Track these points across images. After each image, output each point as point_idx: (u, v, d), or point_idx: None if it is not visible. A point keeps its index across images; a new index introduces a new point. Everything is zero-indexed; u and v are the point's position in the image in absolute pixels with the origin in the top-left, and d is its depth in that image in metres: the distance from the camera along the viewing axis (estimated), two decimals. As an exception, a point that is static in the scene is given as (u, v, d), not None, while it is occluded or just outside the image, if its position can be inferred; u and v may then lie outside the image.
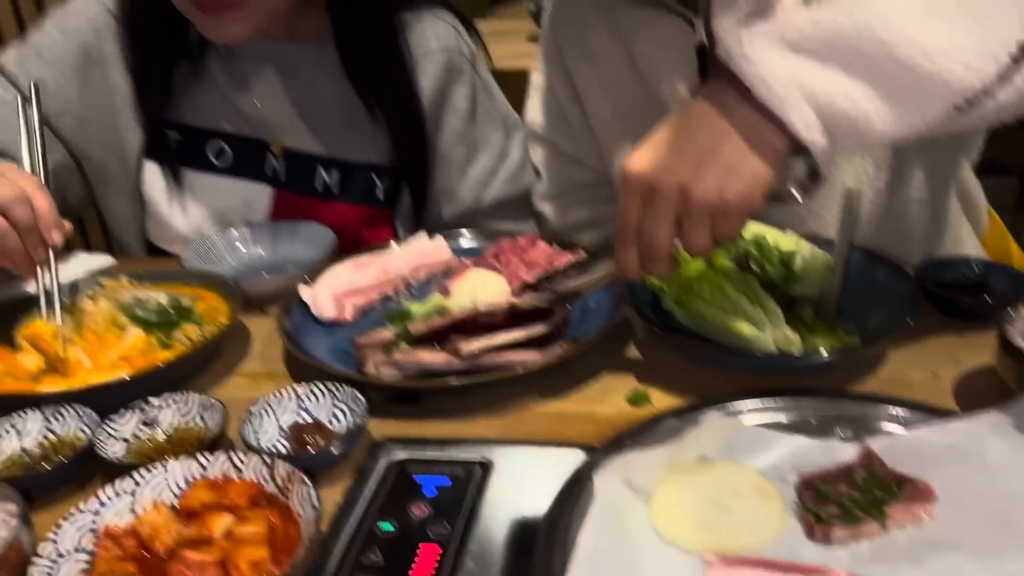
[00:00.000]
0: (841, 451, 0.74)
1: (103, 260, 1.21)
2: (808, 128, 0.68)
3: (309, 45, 1.20)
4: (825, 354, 0.81)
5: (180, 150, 1.21)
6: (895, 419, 0.76)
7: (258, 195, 1.23)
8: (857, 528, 0.65)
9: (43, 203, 0.95)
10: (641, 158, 0.73)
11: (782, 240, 0.95)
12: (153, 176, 1.22)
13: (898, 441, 0.73)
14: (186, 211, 1.23)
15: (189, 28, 1.14)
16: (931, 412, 0.75)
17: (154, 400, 0.81)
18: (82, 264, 1.20)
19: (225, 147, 1.22)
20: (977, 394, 0.80)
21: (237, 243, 1.19)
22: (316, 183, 1.23)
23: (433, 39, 1.21)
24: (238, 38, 1.09)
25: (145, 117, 1.20)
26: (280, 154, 1.22)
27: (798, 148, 0.70)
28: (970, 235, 1.20)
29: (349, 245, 1.15)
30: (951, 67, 0.67)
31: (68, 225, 0.99)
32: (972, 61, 0.67)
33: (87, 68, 1.19)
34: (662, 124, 0.75)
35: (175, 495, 0.69)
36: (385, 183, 1.24)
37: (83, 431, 0.80)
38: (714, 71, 0.73)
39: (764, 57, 0.69)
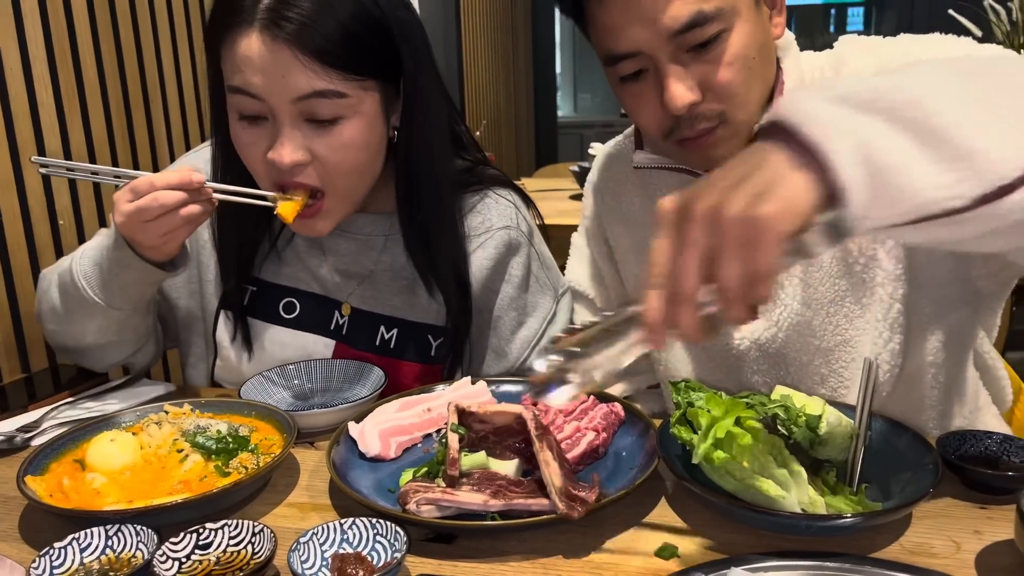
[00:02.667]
0: (865, 616, 0.76)
1: (165, 387, 1.30)
2: (848, 165, 0.65)
3: (382, 216, 1.31)
4: (848, 518, 0.84)
5: (253, 303, 1.32)
6: (917, 587, 0.78)
7: (320, 347, 1.31)
8: None
9: (169, 178, 1.06)
10: (675, 196, 0.71)
11: (809, 404, 1.00)
12: (226, 324, 1.33)
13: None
14: (252, 357, 1.32)
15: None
16: (953, 583, 0.78)
17: (210, 525, 0.86)
18: (146, 391, 1.29)
19: (296, 303, 1.32)
20: (998, 568, 0.82)
21: (294, 379, 1.26)
22: (376, 340, 1.32)
23: (496, 218, 1.32)
24: (324, 232, 1.22)
25: (225, 274, 1.31)
26: (347, 313, 1.32)
27: (833, 202, 0.67)
28: (989, 406, 1.23)
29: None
30: (985, 146, 0.67)
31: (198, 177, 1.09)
32: (1005, 150, 0.67)
33: None
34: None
35: (224, 617, 0.73)
36: (438, 342, 1.32)
37: (141, 550, 0.85)
38: (758, 134, 0.73)
39: (807, 103, 0.69)
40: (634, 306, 0.74)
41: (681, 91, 1.01)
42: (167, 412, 1.10)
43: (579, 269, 1.40)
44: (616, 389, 1.35)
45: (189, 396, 1.21)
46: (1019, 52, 3.07)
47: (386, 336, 1.31)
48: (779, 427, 0.96)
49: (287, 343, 1.31)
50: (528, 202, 1.39)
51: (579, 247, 1.41)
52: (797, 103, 0.70)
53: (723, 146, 1.08)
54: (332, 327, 1.32)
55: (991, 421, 1.23)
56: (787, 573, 0.81)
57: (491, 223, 1.32)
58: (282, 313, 1.32)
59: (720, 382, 1.23)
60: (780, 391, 1.03)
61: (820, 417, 0.97)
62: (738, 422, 0.93)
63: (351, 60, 1.10)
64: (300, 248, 1.32)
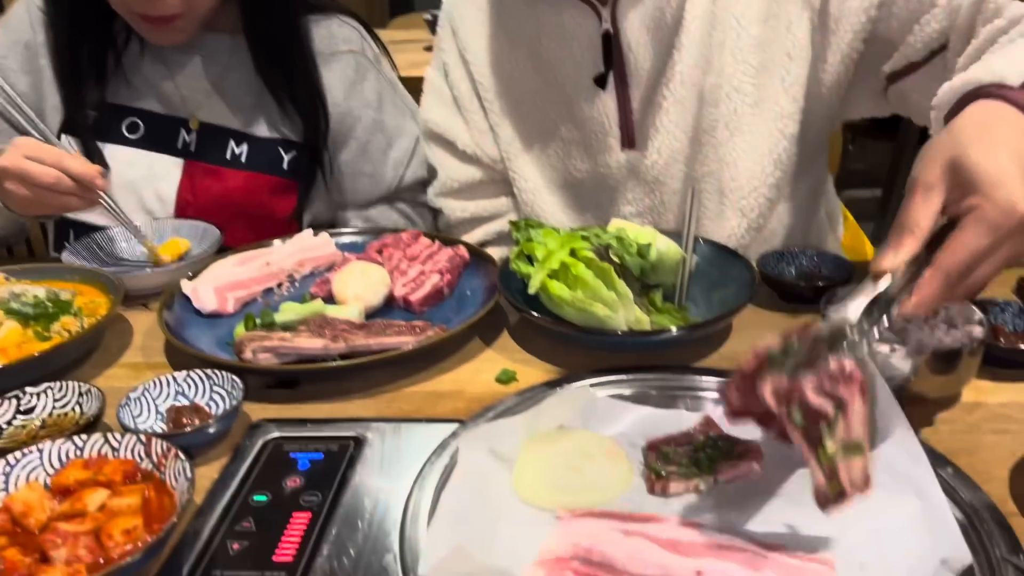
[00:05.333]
0: (685, 419, 0.82)
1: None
2: None
3: (227, 34, 1.27)
4: (670, 332, 0.89)
5: (96, 126, 1.27)
6: (731, 389, 0.85)
7: (168, 166, 1.27)
8: (691, 482, 0.73)
9: (74, 166, 1.07)
10: (999, 200, 0.65)
11: (641, 233, 1.03)
12: (69, 150, 1.24)
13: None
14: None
15: (115, 18, 1.20)
16: (762, 382, 0.85)
17: (31, 389, 0.82)
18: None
19: (139, 122, 1.28)
20: (803, 366, 0.89)
21: (120, 242, 1.19)
22: (226, 154, 1.29)
23: (341, 40, 1.31)
24: (178, 42, 1.21)
25: (67, 98, 1.25)
26: (195, 128, 1.28)
27: None
28: (834, 241, 1.34)
29: (255, 214, 1.26)
30: None
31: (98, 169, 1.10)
32: None
33: (30, 61, 1.26)
34: (997, 154, 0.67)
35: (49, 475, 0.71)
36: (290, 155, 1.30)
37: (-45, 420, 0.80)
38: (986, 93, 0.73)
39: None
40: (887, 280, 0.69)
41: None
42: (-23, 282, 1.02)
43: (437, 109, 1.30)
44: (475, 236, 1.34)
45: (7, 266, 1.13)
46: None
47: (236, 151, 1.29)
48: (612, 256, 1.00)
49: (133, 162, 1.26)
50: (372, 34, 1.38)
51: (435, 85, 1.31)
52: None
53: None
54: (180, 145, 1.28)
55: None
56: (617, 387, 0.86)
57: (337, 46, 1.31)
58: (125, 133, 1.28)
59: (591, 219, 1.24)
60: (615, 224, 1.05)
61: (650, 245, 1.01)
62: (573, 253, 0.95)
63: None
64: (144, 66, 1.27)
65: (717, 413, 0.82)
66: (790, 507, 0.70)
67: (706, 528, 0.67)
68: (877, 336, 0.68)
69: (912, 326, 0.85)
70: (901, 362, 0.78)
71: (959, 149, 0.68)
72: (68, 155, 1.08)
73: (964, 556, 0.62)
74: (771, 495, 0.72)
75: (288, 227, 1.28)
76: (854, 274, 1.00)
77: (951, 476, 0.70)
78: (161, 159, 1.27)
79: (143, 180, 1.26)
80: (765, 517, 0.70)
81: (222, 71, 1.27)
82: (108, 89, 1.27)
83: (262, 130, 1.29)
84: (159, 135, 1.28)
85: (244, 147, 1.29)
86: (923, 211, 0.69)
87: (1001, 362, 0.87)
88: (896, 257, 0.68)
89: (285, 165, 1.30)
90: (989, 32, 0.94)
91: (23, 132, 1.19)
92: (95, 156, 1.25)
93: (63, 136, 1.26)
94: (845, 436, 0.59)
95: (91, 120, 1.26)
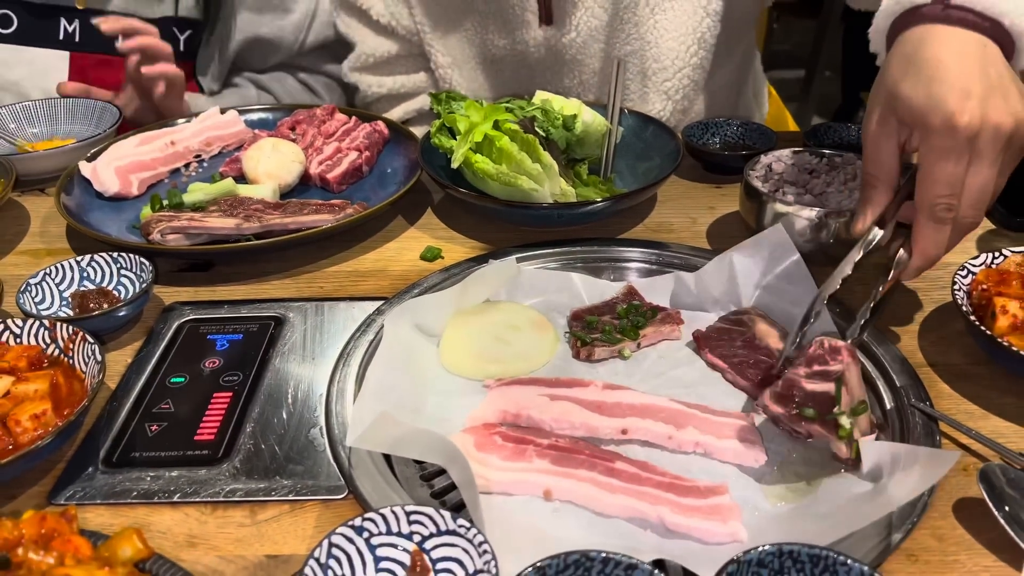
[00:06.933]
0: (608, 289, 0.82)
1: None
2: None
3: None
4: (596, 203, 0.88)
5: None
6: (655, 259, 0.85)
7: (52, 61, 1.17)
8: (615, 347, 0.74)
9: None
10: (964, 104, 0.62)
11: (566, 106, 1.00)
12: None
13: (656, 279, 0.82)
14: None
15: None
16: (684, 251, 0.85)
17: (-84, 277, 0.76)
18: None
19: (11, 14, 1.15)
20: (724, 235, 0.90)
21: (9, 123, 1.10)
22: (117, 39, 1.17)
23: None
24: None
25: None
26: (83, 8, 1.17)
27: None
28: (759, 119, 1.33)
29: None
30: None
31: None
32: None
33: None
34: (923, 81, 0.64)
35: (-55, 365, 0.67)
36: (186, 35, 1.21)
37: None
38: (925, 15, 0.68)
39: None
40: (875, 236, 0.68)
41: None
42: None
43: None
44: (394, 114, 1.28)
45: None
46: None
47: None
48: (537, 129, 0.97)
49: (10, 61, 1.15)
50: None
51: None
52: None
53: None
54: (61, 36, 1.17)
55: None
56: (541, 261, 0.85)
57: None
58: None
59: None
60: (540, 96, 1.02)
61: (576, 117, 0.98)
62: (496, 125, 0.92)
63: None
64: None
65: (640, 283, 0.82)
66: (710, 371, 0.72)
67: (630, 391, 0.68)
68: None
69: (832, 189, 0.86)
70: (819, 221, 0.79)
71: (891, 89, 0.67)
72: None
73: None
74: (692, 360, 0.73)
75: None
76: (777, 143, 1.00)
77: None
78: (42, 54, 1.16)
79: (25, 79, 1.15)
80: (687, 381, 0.71)
81: None
82: None
83: (152, 10, 1.18)
84: (37, 28, 1.15)
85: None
86: (878, 160, 0.68)
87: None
88: (868, 215, 0.69)
89: (182, 47, 1.20)
90: None
91: None
92: None
93: None
94: (850, 404, 0.60)
95: None
